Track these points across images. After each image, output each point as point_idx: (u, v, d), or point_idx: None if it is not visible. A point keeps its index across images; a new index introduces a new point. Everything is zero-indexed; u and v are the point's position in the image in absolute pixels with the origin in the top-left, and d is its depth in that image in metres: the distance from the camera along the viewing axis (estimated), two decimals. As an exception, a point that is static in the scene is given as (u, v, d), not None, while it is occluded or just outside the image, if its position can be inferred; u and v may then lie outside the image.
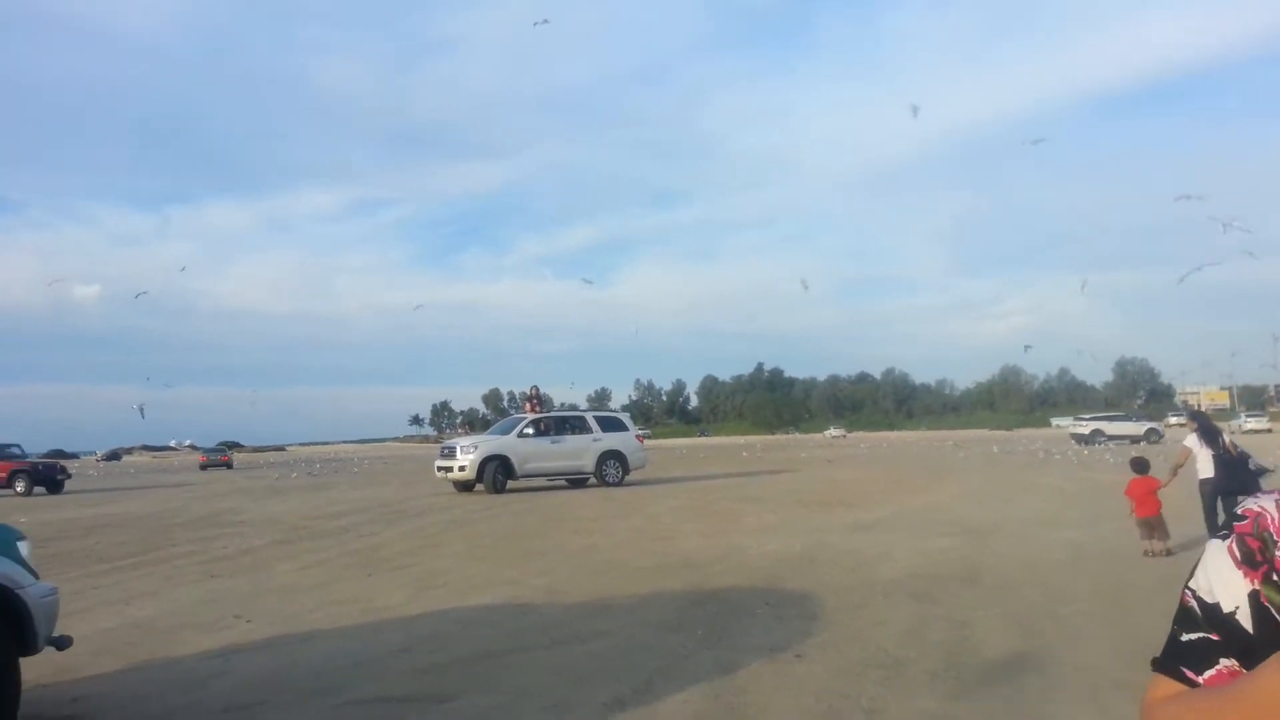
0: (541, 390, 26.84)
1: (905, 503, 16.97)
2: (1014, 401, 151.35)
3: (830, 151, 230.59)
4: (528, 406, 25.23)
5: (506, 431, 23.41)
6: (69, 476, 32.27)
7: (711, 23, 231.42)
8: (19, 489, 29.37)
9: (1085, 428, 49.32)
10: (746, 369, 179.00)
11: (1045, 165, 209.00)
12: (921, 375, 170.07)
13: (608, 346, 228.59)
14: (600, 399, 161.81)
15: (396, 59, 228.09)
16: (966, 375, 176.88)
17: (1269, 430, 60.44)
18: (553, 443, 22.88)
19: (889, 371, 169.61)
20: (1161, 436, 47.25)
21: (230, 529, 15.94)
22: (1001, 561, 9.82)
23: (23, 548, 5.06)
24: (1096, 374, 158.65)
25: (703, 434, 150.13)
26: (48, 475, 30.65)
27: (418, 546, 12.55)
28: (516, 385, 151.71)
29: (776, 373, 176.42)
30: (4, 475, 29.57)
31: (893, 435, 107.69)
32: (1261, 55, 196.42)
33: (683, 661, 6.10)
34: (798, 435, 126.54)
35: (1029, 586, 8.37)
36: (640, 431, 25.78)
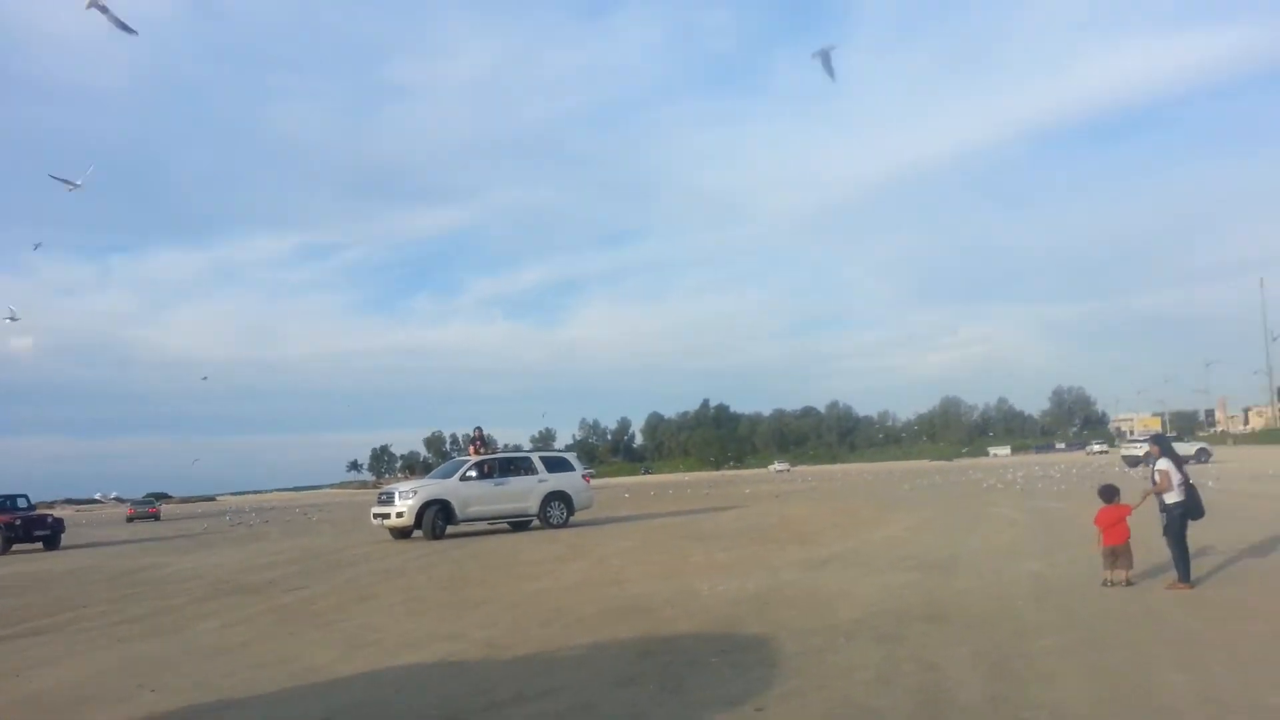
0: (486, 431, 26.14)
1: (860, 537, 16.62)
2: (954, 432, 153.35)
3: (781, 191, 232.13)
4: (471, 449, 24.49)
5: (449, 475, 22.66)
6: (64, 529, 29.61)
7: (669, 66, 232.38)
8: None
9: (1140, 449, 46.57)
10: (693, 406, 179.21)
11: (990, 201, 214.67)
12: (865, 408, 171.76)
13: (555, 386, 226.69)
14: (545, 439, 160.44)
15: (356, 104, 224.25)
16: (908, 407, 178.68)
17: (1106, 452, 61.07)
18: (496, 485, 22.19)
19: (833, 405, 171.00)
20: (1210, 456, 47.82)
21: (150, 586, 14.98)
22: (965, 596, 9.46)
23: None
24: (1034, 403, 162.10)
25: (646, 471, 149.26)
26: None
27: (350, 600, 11.81)
28: (460, 428, 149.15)
29: (723, 409, 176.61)
30: None
31: (835, 468, 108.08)
32: (1188, 95, 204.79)
33: (636, 721, 5.57)
34: (740, 471, 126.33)
35: (996, 622, 8.00)
36: (587, 471, 25.17)
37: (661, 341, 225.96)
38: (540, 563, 14.91)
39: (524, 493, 22.46)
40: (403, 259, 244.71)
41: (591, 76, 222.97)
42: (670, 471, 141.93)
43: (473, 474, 22.05)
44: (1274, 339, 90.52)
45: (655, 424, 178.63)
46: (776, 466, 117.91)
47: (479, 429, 24.85)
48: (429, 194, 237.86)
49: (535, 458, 23.56)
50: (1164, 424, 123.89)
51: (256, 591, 13.27)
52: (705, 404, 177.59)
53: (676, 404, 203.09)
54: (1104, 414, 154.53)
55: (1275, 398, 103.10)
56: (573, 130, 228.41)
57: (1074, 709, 5.28)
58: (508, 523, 22.91)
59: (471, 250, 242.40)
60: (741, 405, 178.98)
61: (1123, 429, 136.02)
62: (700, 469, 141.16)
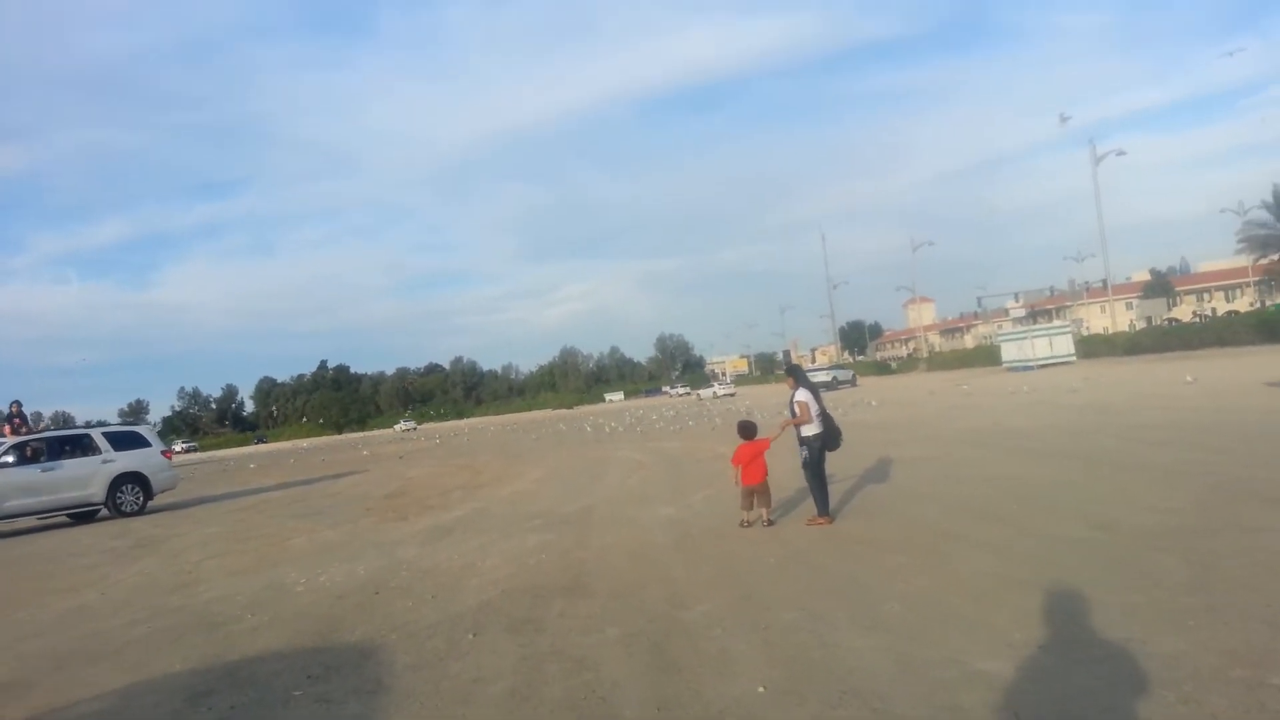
0: (24, 407, 21.21)
1: (487, 496, 15.26)
2: (573, 380, 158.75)
3: (392, 146, 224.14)
4: (7, 429, 19.72)
5: (-28, 463, 18.00)
6: None
7: (262, 2, 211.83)
8: None
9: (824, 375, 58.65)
10: (309, 368, 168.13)
11: (594, 162, 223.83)
12: (489, 362, 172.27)
13: (148, 354, 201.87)
14: (135, 412, 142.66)
15: None
16: (530, 359, 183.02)
17: (733, 395, 69.51)
18: (44, 470, 17.98)
19: (458, 360, 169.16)
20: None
21: None
22: (605, 556, 8.39)
23: None
24: (642, 350, 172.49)
25: (260, 440, 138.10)
26: None
27: None
28: (28, 407, 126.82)
29: (342, 369, 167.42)
30: None
31: (463, 423, 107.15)
32: (757, 74, 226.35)
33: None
34: (365, 432, 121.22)
35: (645, 587, 6.93)
36: (185, 444, 21.45)
37: (270, 301, 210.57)
38: (93, 566, 11.81)
39: (84, 478, 18.49)
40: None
41: (170, 6, 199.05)
42: (288, 439, 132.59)
43: (10, 459, 17.73)
44: (834, 287, 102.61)
45: (268, 389, 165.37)
46: (403, 425, 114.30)
47: (16, 403, 20.09)
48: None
49: (97, 434, 19.52)
50: (750, 365, 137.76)
51: None
52: (323, 365, 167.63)
53: (292, 367, 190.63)
54: (701, 357, 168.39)
55: (837, 337, 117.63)
56: (151, 66, 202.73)
57: (766, 709, 4.18)
58: (68, 515, 18.83)
59: (29, 200, 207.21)
60: (363, 365, 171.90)
61: (716, 370, 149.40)
62: (322, 434, 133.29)
